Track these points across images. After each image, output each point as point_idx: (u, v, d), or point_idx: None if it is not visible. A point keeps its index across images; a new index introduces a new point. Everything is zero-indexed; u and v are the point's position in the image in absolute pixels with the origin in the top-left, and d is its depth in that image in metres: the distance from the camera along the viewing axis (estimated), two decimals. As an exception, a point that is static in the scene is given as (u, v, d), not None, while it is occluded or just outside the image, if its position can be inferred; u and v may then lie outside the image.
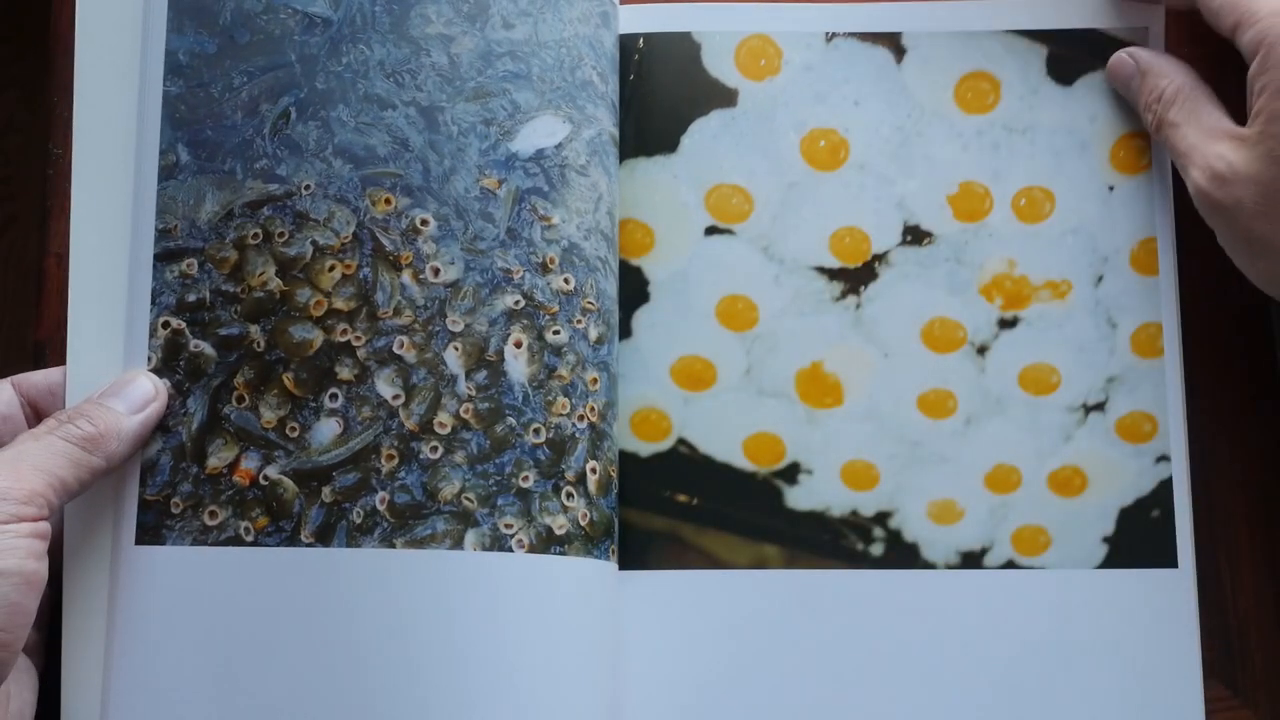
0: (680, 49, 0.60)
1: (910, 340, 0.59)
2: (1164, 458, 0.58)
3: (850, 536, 0.58)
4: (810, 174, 0.59)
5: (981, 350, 0.59)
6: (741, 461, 0.58)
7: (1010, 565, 0.57)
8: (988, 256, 0.59)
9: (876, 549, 0.58)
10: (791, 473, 0.58)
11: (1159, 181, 0.59)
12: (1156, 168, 0.59)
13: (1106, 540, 0.57)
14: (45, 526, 0.47)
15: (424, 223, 0.54)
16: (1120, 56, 0.59)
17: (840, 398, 0.59)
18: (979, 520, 0.58)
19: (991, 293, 0.59)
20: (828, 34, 0.60)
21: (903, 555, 0.58)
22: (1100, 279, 0.59)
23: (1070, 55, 0.60)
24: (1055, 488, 0.58)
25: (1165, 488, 0.57)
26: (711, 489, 0.58)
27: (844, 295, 0.59)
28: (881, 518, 0.58)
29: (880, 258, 0.59)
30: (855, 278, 0.59)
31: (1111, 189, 0.59)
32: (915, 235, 0.59)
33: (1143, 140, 0.59)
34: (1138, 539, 0.57)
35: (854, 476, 0.58)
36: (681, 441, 0.58)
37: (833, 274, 0.59)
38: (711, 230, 0.59)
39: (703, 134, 0.60)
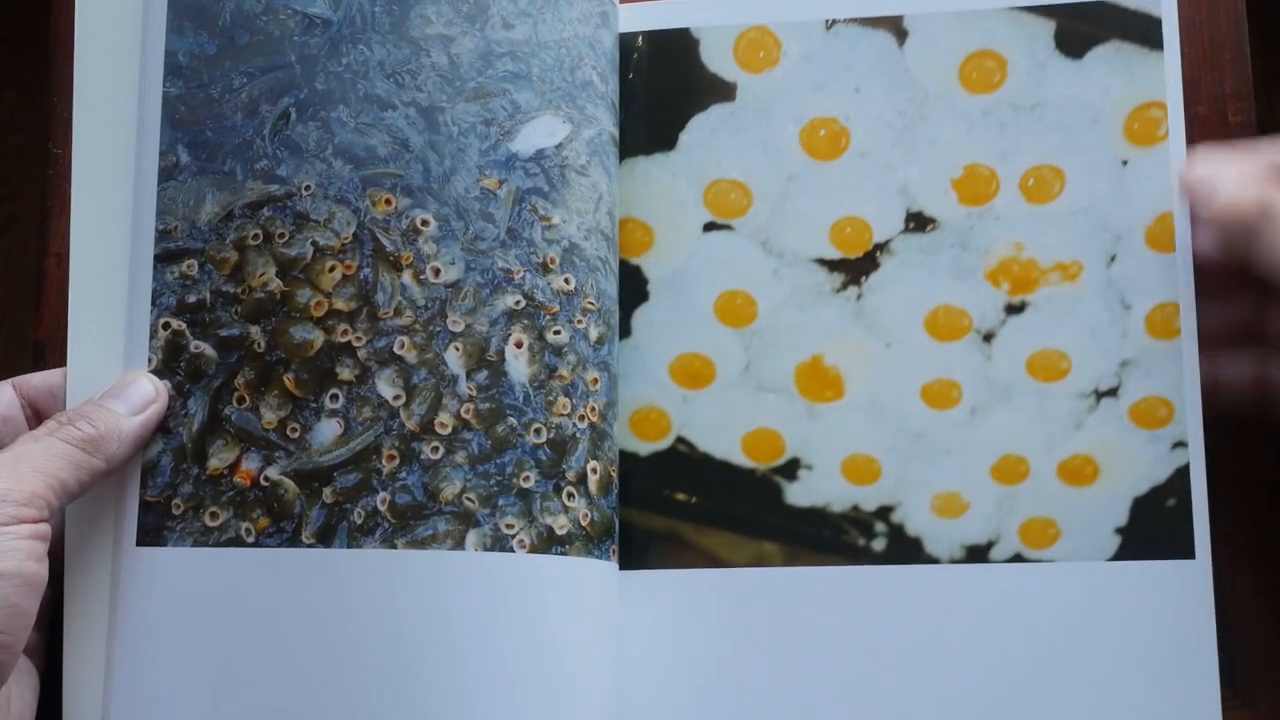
0: (679, 45, 0.60)
1: (913, 330, 0.58)
2: (1180, 444, 0.56)
3: (851, 532, 0.58)
4: (810, 165, 0.59)
5: (988, 337, 0.58)
6: (740, 459, 0.58)
7: (1018, 559, 0.57)
8: (994, 240, 0.58)
9: (878, 544, 0.57)
10: (791, 469, 0.58)
11: (1176, 153, 0.57)
12: (1173, 138, 0.57)
13: (1119, 531, 0.56)
14: (45, 528, 0.48)
15: (424, 223, 0.54)
16: (1200, 168, 0.56)
17: (841, 391, 0.59)
18: (985, 513, 0.57)
19: (998, 278, 0.58)
20: (828, 21, 0.59)
21: (906, 550, 0.57)
22: (1113, 259, 0.57)
23: (1080, 28, 0.58)
24: (1065, 477, 0.57)
25: (1182, 475, 0.56)
26: (711, 487, 0.58)
27: (844, 286, 0.59)
28: (884, 512, 0.58)
29: (882, 247, 0.59)
30: (856, 268, 0.59)
31: (1125, 163, 0.58)
32: (918, 222, 0.59)
33: (1159, 109, 0.58)
34: (1152, 529, 0.56)
35: (855, 471, 0.58)
36: (681, 440, 0.58)
37: (833, 265, 0.59)
38: (710, 226, 0.59)
39: (701, 130, 0.59)
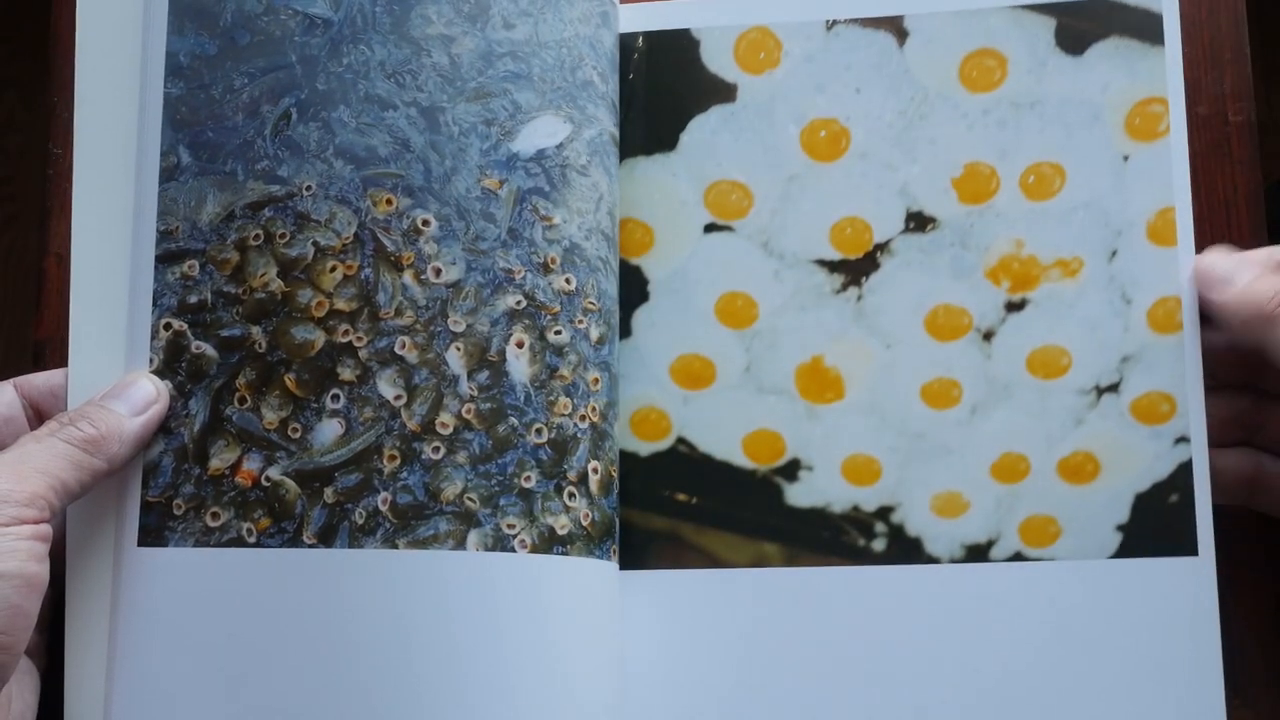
0: (679, 46, 0.60)
1: (913, 330, 0.58)
2: (1183, 439, 0.56)
3: (852, 532, 0.58)
4: (810, 165, 0.59)
5: (988, 336, 0.58)
6: (741, 459, 0.58)
7: (1018, 557, 0.57)
8: (994, 238, 0.58)
9: (879, 544, 0.57)
10: (791, 469, 0.58)
11: (1177, 148, 0.57)
12: (1175, 133, 0.57)
13: (1121, 528, 0.56)
14: (47, 529, 0.48)
15: (425, 223, 0.54)
16: (1213, 257, 0.56)
17: (841, 392, 0.59)
18: (985, 512, 0.57)
19: (998, 276, 0.58)
20: (828, 22, 0.59)
21: (906, 550, 0.57)
22: (1114, 254, 0.57)
23: (1080, 25, 0.58)
24: (1066, 475, 0.57)
25: (1184, 471, 0.56)
26: (711, 488, 0.58)
27: (845, 287, 0.59)
28: (884, 512, 0.58)
29: (882, 247, 0.59)
30: (856, 269, 0.59)
31: (1126, 158, 0.57)
32: (918, 222, 0.58)
33: (1160, 105, 0.57)
34: (1155, 526, 0.56)
35: (855, 471, 0.58)
36: (681, 440, 0.58)
37: (833, 266, 0.59)
38: (711, 227, 0.59)
39: (702, 131, 0.59)
